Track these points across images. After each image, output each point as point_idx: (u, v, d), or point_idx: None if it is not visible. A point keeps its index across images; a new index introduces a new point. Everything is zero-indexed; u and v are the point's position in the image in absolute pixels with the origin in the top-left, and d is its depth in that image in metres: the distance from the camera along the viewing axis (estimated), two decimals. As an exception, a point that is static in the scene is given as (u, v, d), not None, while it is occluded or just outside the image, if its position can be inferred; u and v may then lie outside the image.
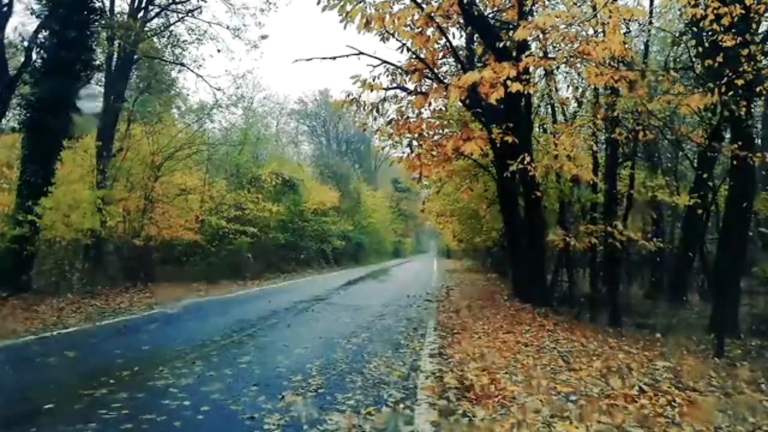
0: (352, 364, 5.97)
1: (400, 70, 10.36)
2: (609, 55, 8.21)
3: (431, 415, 4.20)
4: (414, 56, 10.29)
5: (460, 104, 11.03)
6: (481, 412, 4.22)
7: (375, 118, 10.58)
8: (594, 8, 7.80)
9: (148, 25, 15.23)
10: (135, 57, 14.95)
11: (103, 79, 14.42)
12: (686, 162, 15.02)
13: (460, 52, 11.72)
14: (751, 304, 11.13)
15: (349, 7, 8.16)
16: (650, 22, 10.74)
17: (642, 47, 11.72)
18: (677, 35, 10.44)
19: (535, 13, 9.74)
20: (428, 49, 10.20)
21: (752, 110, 9.79)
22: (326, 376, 5.35)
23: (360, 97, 9.65)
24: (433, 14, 9.37)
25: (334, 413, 4.16)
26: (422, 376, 5.48)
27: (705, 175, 11.57)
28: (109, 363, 5.62)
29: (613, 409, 4.29)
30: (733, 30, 7.53)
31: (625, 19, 8.78)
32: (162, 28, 15.86)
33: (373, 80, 9.48)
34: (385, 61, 9.89)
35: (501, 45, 8.26)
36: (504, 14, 11.12)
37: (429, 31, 9.82)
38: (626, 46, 8.87)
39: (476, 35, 11.55)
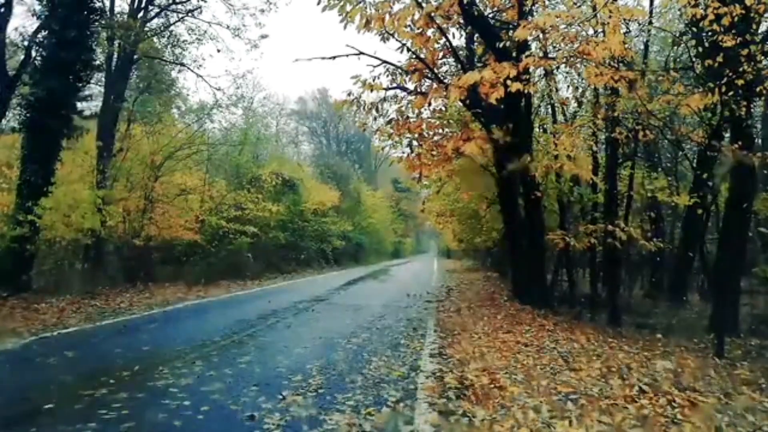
0: (352, 364, 5.97)
1: (400, 70, 10.36)
2: (609, 55, 8.21)
3: (431, 415, 4.20)
4: (414, 56, 10.29)
5: (460, 104, 11.03)
6: (481, 412, 4.22)
7: (375, 118, 10.59)
8: (594, 8, 7.80)
9: (148, 25, 15.23)
10: (135, 57, 14.96)
11: (103, 79, 14.43)
12: (686, 162, 15.03)
13: (460, 52, 11.72)
14: (751, 304, 11.13)
15: (349, 7, 8.16)
16: (650, 22, 10.74)
17: (642, 47, 11.73)
18: (677, 35, 10.43)
19: (535, 13, 9.74)
20: (428, 49, 10.20)
21: (752, 110, 9.79)
22: (326, 376, 5.35)
23: (360, 97, 9.66)
24: (433, 14, 9.36)
25: (334, 413, 4.16)
26: (422, 376, 5.48)
27: (705, 175, 11.57)
28: (109, 363, 5.63)
29: (613, 409, 4.29)
30: (733, 30, 7.53)
31: (625, 19, 8.78)
32: (162, 28, 15.87)
33: (373, 80, 9.48)
34: (385, 61, 9.90)
35: (501, 45, 8.26)
36: (504, 14, 11.13)
37: (429, 31, 9.82)
38: (626, 46, 8.87)
39: (476, 35, 11.56)
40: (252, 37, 25.48)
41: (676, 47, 11.45)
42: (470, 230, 22.66)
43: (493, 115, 10.31)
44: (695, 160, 13.41)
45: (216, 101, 17.65)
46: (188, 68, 16.37)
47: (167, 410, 4.15)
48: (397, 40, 9.84)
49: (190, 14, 15.55)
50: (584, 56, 8.38)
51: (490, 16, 11.03)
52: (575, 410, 4.27)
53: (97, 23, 12.27)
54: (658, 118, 10.34)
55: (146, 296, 11.91)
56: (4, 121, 12.10)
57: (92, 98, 14.44)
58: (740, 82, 7.69)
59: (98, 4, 12.41)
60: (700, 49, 9.03)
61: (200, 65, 16.66)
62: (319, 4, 8.10)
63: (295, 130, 50.70)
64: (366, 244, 37.61)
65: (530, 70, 9.21)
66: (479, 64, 11.28)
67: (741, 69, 7.63)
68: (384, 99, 10.22)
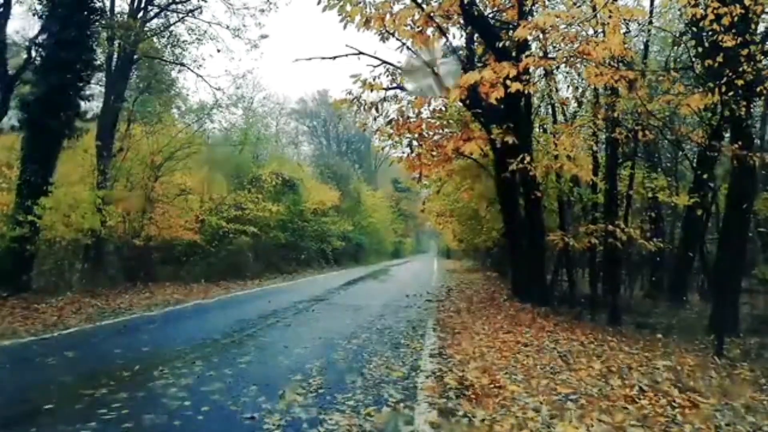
0: (352, 364, 5.97)
1: (400, 70, 10.37)
2: (609, 55, 8.21)
3: (431, 415, 4.20)
4: (414, 56, 10.29)
5: (460, 104, 11.03)
6: (481, 412, 4.22)
7: (375, 118, 10.60)
8: (594, 8, 7.80)
9: (148, 25, 15.24)
10: (135, 57, 14.96)
11: (104, 79, 14.43)
12: (686, 162, 15.04)
13: (460, 52, 11.72)
14: (751, 303, 11.14)
15: (349, 7, 8.17)
16: (650, 22, 10.74)
17: (642, 47, 11.73)
18: (677, 35, 10.43)
19: (535, 13, 9.74)
20: (428, 48, 10.19)
21: (752, 110, 9.79)
22: (326, 376, 5.34)
23: (360, 96, 9.66)
24: (433, 14, 9.36)
25: (334, 413, 4.16)
26: (422, 376, 5.48)
27: (705, 175, 11.58)
28: (109, 363, 5.63)
29: (613, 409, 4.29)
30: (733, 30, 7.53)
31: (625, 19, 8.78)
32: (162, 28, 15.88)
33: (373, 80, 9.48)
34: (385, 61, 9.90)
35: (501, 45, 8.26)
36: (504, 14, 11.12)
37: (429, 31, 9.82)
38: (626, 46, 8.87)
39: (476, 35, 11.55)
40: (252, 37, 25.45)
41: (676, 47, 11.45)
42: (470, 230, 22.66)
43: (493, 115, 10.31)
44: (695, 160, 13.42)
45: (216, 101, 17.71)
46: (188, 68, 16.40)
47: (167, 410, 4.15)
48: (397, 39, 9.85)
49: (190, 14, 15.57)
50: (584, 56, 8.37)
51: (490, 16, 11.03)
52: (575, 410, 4.27)
53: (97, 23, 12.28)
54: (658, 118, 10.35)
55: (146, 296, 11.91)
56: (4, 121, 12.09)
57: (92, 98, 14.44)
58: (740, 82, 7.69)
59: (98, 4, 12.42)
60: (700, 49, 9.03)
61: (200, 65, 16.63)
62: (319, 4, 8.12)
63: (295, 130, 50.73)
64: (366, 244, 37.61)
65: (530, 70, 9.21)
66: (479, 64, 11.27)
67: (741, 69, 7.64)
68: (384, 99, 10.23)
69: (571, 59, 9.03)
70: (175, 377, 5.11)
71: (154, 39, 15.86)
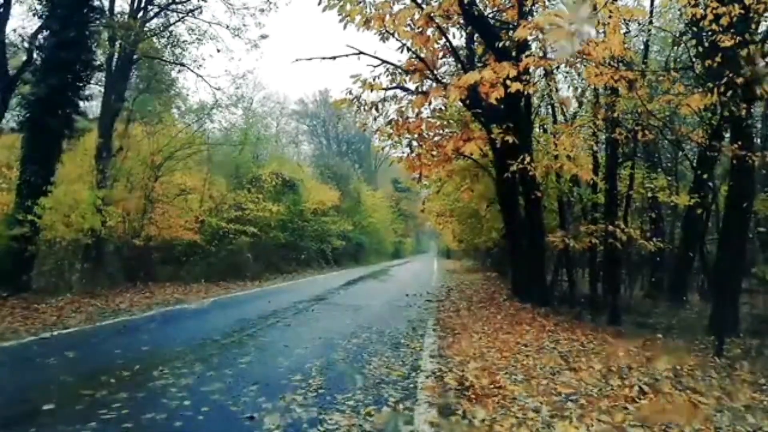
0: (352, 364, 5.97)
1: (400, 70, 10.36)
2: (609, 55, 8.21)
3: (431, 415, 4.20)
4: (414, 56, 10.29)
5: (460, 104, 11.03)
6: (481, 412, 4.22)
7: (375, 118, 10.59)
8: (594, 8, 7.80)
9: (147, 25, 15.23)
10: (135, 57, 14.96)
11: (103, 79, 14.43)
12: (686, 162, 15.04)
13: (460, 52, 11.72)
14: (751, 303, 11.13)
15: (349, 7, 8.17)
16: (650, 22, 10.75)
17: (642, 47, 11.73)
18: (677, 35, 10.43)
19: (535, 13, 9.74)
20: (428, 49, 10.19)
21: (752, 110, 9.79)
22: (326, 376, 5.35)
23: (360, 96, 9.65)
24: (433, 14, 9.37)
25: (334, 413, 4.16)
26: (422, 376, 5.48)
27: (705, 175, 11.58)
28: (109, 363, 5.62)
29: (613, 409, 4.29)
30: (731, 30, 7.53)
31: (625, 19, 8.78)
32: (162, 28, 15.87)
33: (374, 80, 9.47)
34: (385, 61, 9.89)
35: (501, 45, 8.26)
36: (504, 14, 11.13)
37: (429, 31, 9.82)
38: (626, 46, 8.87)
39: (476, 35, 11.55)
40: (252, 37, 25.48)
41: (676, 47, 11.45)
42: (470, 230, 22.67)
43: (493, 115, 10.31)
44: (695, 160, 13.42)
45: (216, 101, 17.68)
46: (188, 68, 16.39)
47: (167, 410, 4.15)
48: (397, 39, 9.84)
49: (190, 14, 15.57)
50: (584, 56, 8.37)
51: (490, 16, 11.03)
52: (575, 410, 4.27)
53: (97, 23, 12.27)
54: (658, 118, 10.35)
55: (146, 296, 11.91)
56: (4, 121, 12.09)
57: (92, 98, 14.44)
58: (740, 80, 7.69)
59: (98, 4, 12.42)
60: (700, 49, 9.03)
61: (200, 65, 16.64)
62: (319, 4, 8.12)
63: (296, 130, 50.77)
64: (366, 244, 37.61)
65: (530, 70, 9.22)
66: (479, 64, 11.28)
67: (741, 69, 7.63)
68: (384, 99, 10.22)
69: (571, 59, 9.02)
70: (175, 377, 5.11)
71: (154, 39, 15.86)
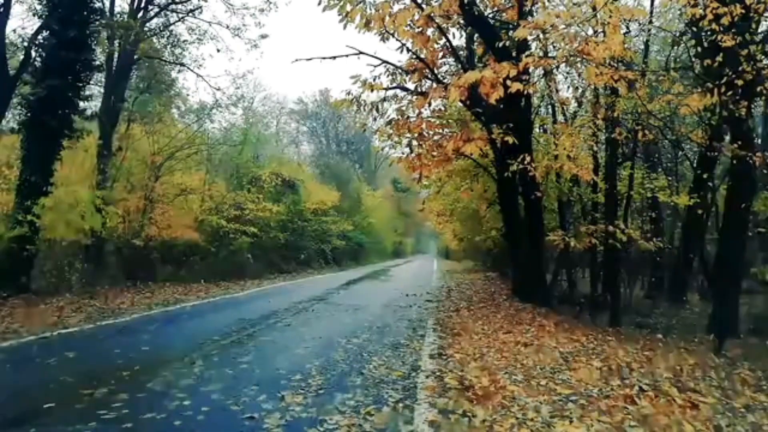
0: (352, 364, 5.97)
1: (400, 70, 10.36)
2: (609, 55, 8.21)
3: (431, 415, 4.20)
4: (414, 56, 10.28)
5: (460, 104, 11.02)
6: (481, 412, 4.22)
7: (375, 118, 10.58)
8: (594, 8, 7.80)
9: (147, 25, 15.24)
10: (135, 57, 14.96)
11: (104, 79, 14.43)
12: (686, 162, 15.04)
13: (460, 52, 11.71)
14: (751, 303, 11.13)
15: (349, 7, 8.16)
16: (650, 22, 10.74)
17: (642, 47, 11.73)
18: (677, 35, 10.44)
19: (535, 13, 9.74)
20: (428, 49, 10.19)
21: (752, 110, 9.80)
22: (326, 376, 5.35)
23: (360, 96, 9.65)
24: (433, 14, 9.36)
25: (334, 413, 4.16)
26: (422, 375, 5.48)
27: (705, 175, 11.58)
28: (109, 363, 5.62)
29: (613, 409, 4.29)
30: (732, 30, 7.53)
31: (625, 19, 8.78)
32: (162, 28, 15.88)
33: (374, 80, 9.49)
34: (385, 61, 9.90)
35: (501, 45, 8.26)
36: (504, 14, 11.12)
37: (429, 31, 9.82)
38: (626, 46, 8.87)
39: (476, 35, 11.55)
40: (252, 37, 25.39)
41: (676, 47, 11.45)
42: (470, 230, 22.69)
43: (493, 115, 10.31)
44: (695, 160, 13.43)
45: (216, 101, 17.72)
46: (188, 68, 16.42)
47: (167, 410, 4.15)
48: (397, 39, 9.83)
49: (190, 14, 15.59)
50: (584, 56, 8.37)
51: (490, 16, 11.03)
52: (575, 410, 4.27)
53: (97, 23, 12.26)
54: (658, 118, 10.36)
55: (146, 296, 11.90)
56: (4, 121, 12.08)
57: (92, 98, 14.44)
58: (740, 82, 7.69)
59: (98, 4, 12.38)
60: (700, 49, 9.04)
61: (200, 65, 16.74)
62: (319, 4, 8.11)
63: (296, 130, 50.76)
64: (366, 244, 37.62)
65: (530, 70, 9.21)
66: (479, 64, 11.28)
67: (740, 69, 7.63)
68: (384, 99, 10.22)
69: (571, 59, 9.03)
70: (175, 377, 5.11)
71: (154, 39, 15.87)
